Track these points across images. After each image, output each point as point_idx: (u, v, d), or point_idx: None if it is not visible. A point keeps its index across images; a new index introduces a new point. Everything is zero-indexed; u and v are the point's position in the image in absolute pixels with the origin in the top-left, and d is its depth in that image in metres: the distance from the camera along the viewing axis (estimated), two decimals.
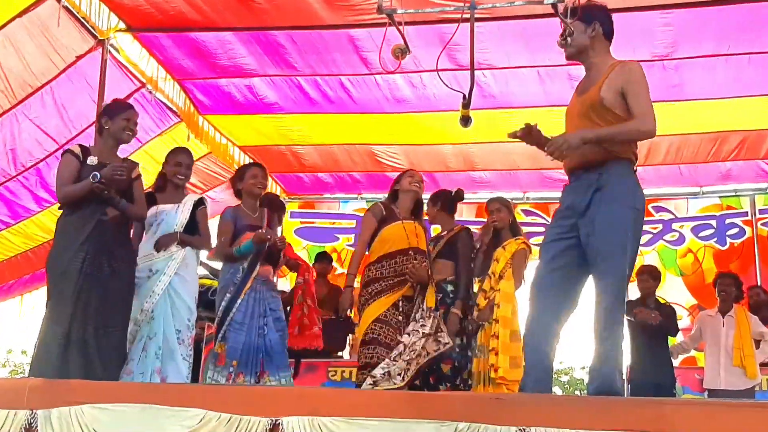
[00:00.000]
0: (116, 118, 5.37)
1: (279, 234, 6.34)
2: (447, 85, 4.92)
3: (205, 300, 6.45)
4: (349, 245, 11.05)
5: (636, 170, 4.29)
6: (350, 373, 7.85)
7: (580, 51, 4.37)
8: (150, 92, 8.04)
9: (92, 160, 5.24)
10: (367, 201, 11.18)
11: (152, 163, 8.81)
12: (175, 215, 5.72)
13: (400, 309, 5.81)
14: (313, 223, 11.48)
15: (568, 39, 4.33)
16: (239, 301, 5.79)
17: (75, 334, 4.92)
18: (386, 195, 6.35)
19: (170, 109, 8.44)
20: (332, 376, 8.00)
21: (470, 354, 6.15)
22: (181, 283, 5.61)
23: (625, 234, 4.04)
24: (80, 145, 5.41)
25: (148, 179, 9.53)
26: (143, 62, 7.46)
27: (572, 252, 4.15)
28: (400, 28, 4.88)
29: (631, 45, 6.89)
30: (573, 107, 4.39)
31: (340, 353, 8.81)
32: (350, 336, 8.79)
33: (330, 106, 8.53)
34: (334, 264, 10.23)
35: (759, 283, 9.85)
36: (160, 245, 5.64)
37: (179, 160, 5.93)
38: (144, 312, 5.42)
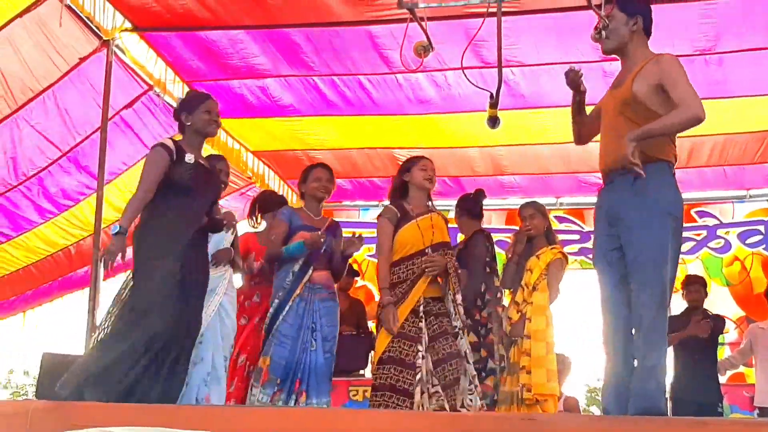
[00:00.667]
0: (196, 111, 5.08)
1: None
2: (473, 84, 4.94)
3: None
4: (369, 256, 11.00)
5: (675, 173, 4.27)
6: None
7: (620, 45, 4.38)
8: (158, 95, 8.05)
9: (189, 158, 4.97)
10: None
11: None
12: (225, 230, 5.68)
13: (420, 314, 5.58)
14: None
15: (603, 33, 4.34)
16: (287, 308, 5.69)
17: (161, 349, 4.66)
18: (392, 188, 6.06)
19: None
20: (354, 395, 8.00)
21: (492, 364, 6.13)
22: (231, 303, 5.61)
23: (665, 243, 4.04)
24: (173, 140, 5.13)
25: None
26: (150, 63, 7.48)
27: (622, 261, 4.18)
28: (423, 23, 4.90)
29: (671, 39, 6.88)
30: (608, 103, 4.41)
31: (362, 371, 8.79)
32: (372, 353, 8.78)
33: (348, 108, 8.55)
34: None
35: None
36: (218, 260, 5.62)
37: (219, 168, 5.84)
38: None
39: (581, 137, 4.74)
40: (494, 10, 4.62)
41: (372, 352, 8.68)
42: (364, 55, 7.54)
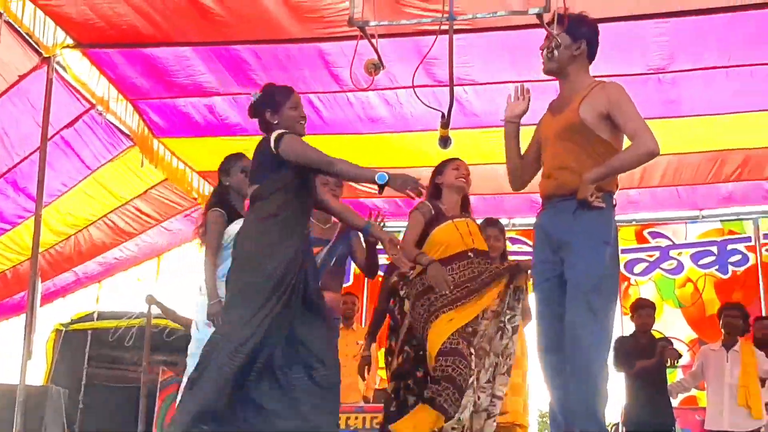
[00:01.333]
0: (282, 108, 4.69)
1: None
2: (424, 103, 4.88)
3: (160, 342, 6.31)
4: None
5: (615, 203, 4.29)
6: None
7: (561, 67, 4.37)
8: (100, 114, 7.93)
9: None
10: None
11: (102, 192, 8.70)
12: None
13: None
14: None
15: (555, 52, 4.32)
16: None
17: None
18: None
19: (122, 132, 8.33)
20: None
21: None
22: None
23: (602, 270, 4.08)
24: None
25: (98, 209, 9.50)
26: (93, 81, 7.35)
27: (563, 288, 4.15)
28: (373, 41, 4.83)
29: (625, 57, 6.90)
30: (548, 128, 4.40)
31: None
32: None
33: None
34: None
35: (765, 315, 9.83)
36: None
37: (244, 166, 5.54)
38: None
39: (523, 183, 4.67)
40: (446, 28, 4.56)
41: None
42: (314, 73, 7.48)
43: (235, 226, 5.04)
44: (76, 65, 7.14)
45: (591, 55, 4.42)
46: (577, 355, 4.01)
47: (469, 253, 5.38)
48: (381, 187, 4.20)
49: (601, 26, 6.65)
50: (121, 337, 10.48)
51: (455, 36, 4.71)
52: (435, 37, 4.71)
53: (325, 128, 8.45)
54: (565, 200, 4.14)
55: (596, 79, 4.37)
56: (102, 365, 10.81)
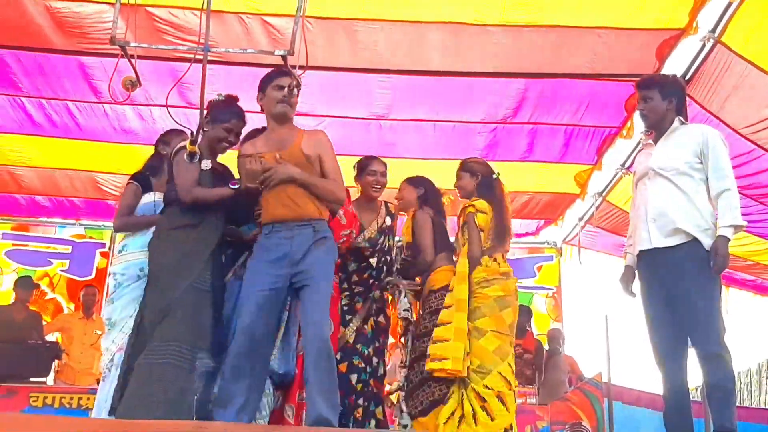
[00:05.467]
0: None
1: None
2: (176, 121, 4.91)
3: None
4: (62, 270, 10.63)
5: None
6: (53, 399, 7.49)
7: (293, 109, 4.58)
8: None
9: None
10: (85, 228, 10.91)
11: None
12: None
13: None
14: (26, 246, 10.92)
15: (295, 90, 4.47)
16: None
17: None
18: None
19: None
20: (33, 402, 7.57)
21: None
22: None
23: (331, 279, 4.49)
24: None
25: None
26: None
27: None
28: (133, 61, 4.82)
29: (352, 104, 7.27)
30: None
31: (43, 379, 8.34)
32: (56, 362, 8.40)
33: (54, 130, 8.26)
34: (45, 288, 9.82)
35: None
36: None
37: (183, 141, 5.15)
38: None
39: None
40: (201, 57, 4.63)
41: (56, 361, 8.36)
42: (74, 83, 7.37)
43: (149, 197, 4.89)
44: None
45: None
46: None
47: None
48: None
49: (332, 74, 7.02)
50: None
51: (209, 66, 4.78)
52: (190, 64, 4.75)
53: (79, 134, 8.33)
54: (303, 226, 4.35)
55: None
56: None
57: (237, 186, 4.39)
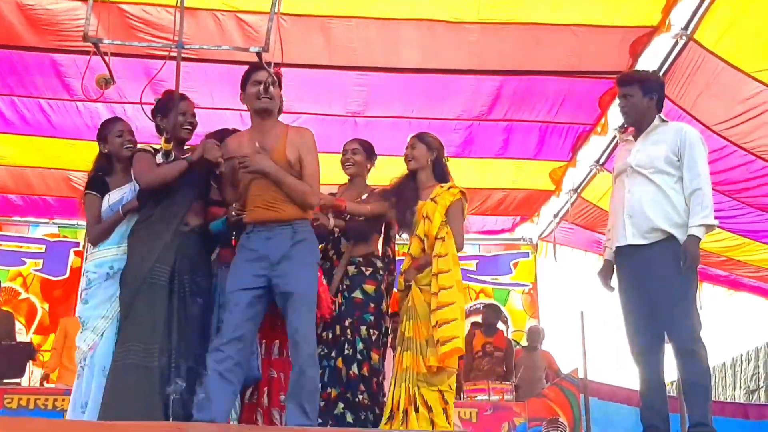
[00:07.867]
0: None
1: None
2: (150, 119, 4.86)
3: None
4: (36, 270, 10.52)
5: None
6: (27, 400, 7.40)
7: (274, 102, 4.51)
8: None
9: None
10: (59, 227, 10.78)
11: None
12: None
13: None
14: None
15: (270, 88, 4.43)
16: None
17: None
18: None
19: None
20: (8, 403, 7.48)
21: None
22: None
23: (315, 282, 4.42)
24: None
25: None
26: None
27: None
28: (106, 58, 4.75)
29: (328, 101, 7.24)
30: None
31: (17, 380, 8.25)
32: (30, 362, 8.31)
33: (26, 128, 8.17)
34: (19, 288, 9.72)
35: None
36: None
37: (120, 130, 4.96)
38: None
39: None
40: (175, 54, 4.58)
41: (30, 361, 8.26)
42: (46, 81, 7.29)
43: (116, 194, 4.76)
44: None
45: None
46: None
47: None
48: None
49: (307, 71, 6.99)
50: None
51: (183, 63, 4.73)
52: (164, 62, 4.70)
53: (52, 132, 8.25)
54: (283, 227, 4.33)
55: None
56: None
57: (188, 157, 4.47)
